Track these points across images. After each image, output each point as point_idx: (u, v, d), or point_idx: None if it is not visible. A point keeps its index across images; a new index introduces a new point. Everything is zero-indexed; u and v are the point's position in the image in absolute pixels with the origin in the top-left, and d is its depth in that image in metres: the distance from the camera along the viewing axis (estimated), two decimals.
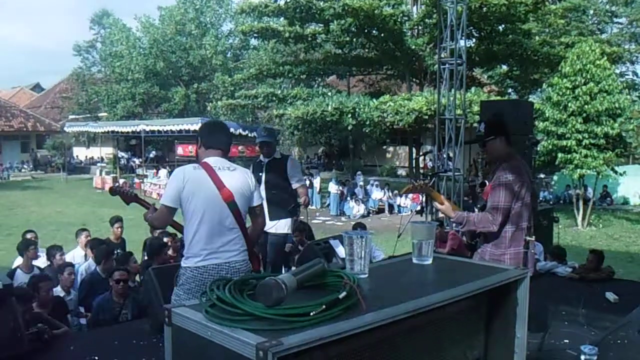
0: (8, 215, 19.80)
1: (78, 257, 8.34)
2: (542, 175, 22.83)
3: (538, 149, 15.22)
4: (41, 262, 7.94)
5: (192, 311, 1.91)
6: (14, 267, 7.19)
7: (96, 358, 4.84)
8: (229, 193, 3.57)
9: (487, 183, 4.72)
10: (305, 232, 8.87)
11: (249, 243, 3.71)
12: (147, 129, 26.20)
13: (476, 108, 16.30)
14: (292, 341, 1.63)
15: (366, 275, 2.38)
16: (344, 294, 1.92)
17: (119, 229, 9.02)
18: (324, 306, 1.83)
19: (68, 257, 8.40)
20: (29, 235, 8.18)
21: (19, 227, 12.66)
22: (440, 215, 13.24)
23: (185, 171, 3.58)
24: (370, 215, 20.42)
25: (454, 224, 11.70)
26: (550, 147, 16.32)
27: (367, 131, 21.53)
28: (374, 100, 20.46)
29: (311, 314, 1.79)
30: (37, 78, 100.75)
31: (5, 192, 27.45)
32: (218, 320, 1.78)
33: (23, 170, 40.48)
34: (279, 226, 6.26)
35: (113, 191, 4.52)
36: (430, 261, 2.74)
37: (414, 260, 2.75)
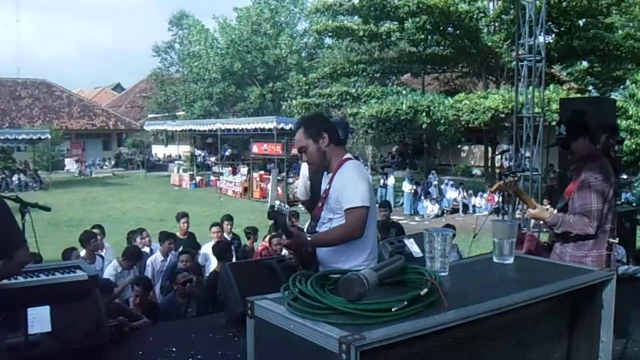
0: (91, 210, 20.59)
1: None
2: (624, 176, 22.01)
3: (621, 148, 14.69)
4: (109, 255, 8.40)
5: (275, 304, 1.94)
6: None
7: (174, 349, 4.95)
8: None
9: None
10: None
11: None
12: (223, 127, 26.71)
13: (555, 106, 15.91)
14: (374, 336, 1.63)
15: (446, 273, 2.36)
16: (425, 290, 1.91)
17: (185, 225, 9.46)
18: (405, 302, 1.82)
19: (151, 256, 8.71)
20: (96, 230, 8.45)
21: (100, 222, 13.05)
22: (517, 215, 13.01)
23: (363, 167, 3.44)
24: (444, 215, 20.16)
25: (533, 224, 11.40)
26: (633, 146, 15.72)
27: (441, 130, 21.31)
28: (449, 98, 20.27)
29: (393, 309, 1.79)
30: (118, 78, 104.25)
31: (87, 188, 28.55)
32: (300, 313, 1.80)
33: (105, 167, 41.99)
34: None
35: (270, 215, 3.46)
36: (511, 260, 2.68)
37: (495, 259, 2.70)
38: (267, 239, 8.94)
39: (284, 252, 8.28)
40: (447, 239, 2.35)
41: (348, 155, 3.50)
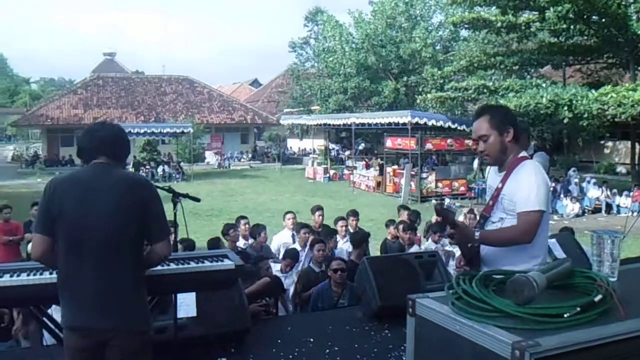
0: (229, 201, 21.40)
1: (285, 237, 8.87)
2: None
3: None
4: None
5: (438, 303, 1.89)
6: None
7: (311, 340, 5.01)
8: None
9: None
10: None
11: None
12: (357, 121, 26.82)
13: None
14: (550, 343, 1.55)
15: (615, 279, 2.22)
16: (599, 296, 1.79)
17: (320, 217, 9.55)
18: (578, 308, 1.72)
19: (275, 239, 9.01)
20: (242, 222, 8.75)
21: (238, 212, 13.54)
22: None
23: (541, 168, 3.30)
24: (586, 214, 19.19)
25: None
26: None
27: (584, 125, 20.24)
28: (593, 91, 19.20)
29: (565, 315, 1.69)
30: (255, 74, 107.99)
31: (226, 180, 29.69)
32: (467, 314, 1.74)
33: (242, 160, 43.57)
34: None
35: (438, 212, 3.40)
36: None
37: None
38: (391, 228, 9.03)
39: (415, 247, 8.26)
40: (616, 242, 2.21)
41: (524, 154, 3.35)
